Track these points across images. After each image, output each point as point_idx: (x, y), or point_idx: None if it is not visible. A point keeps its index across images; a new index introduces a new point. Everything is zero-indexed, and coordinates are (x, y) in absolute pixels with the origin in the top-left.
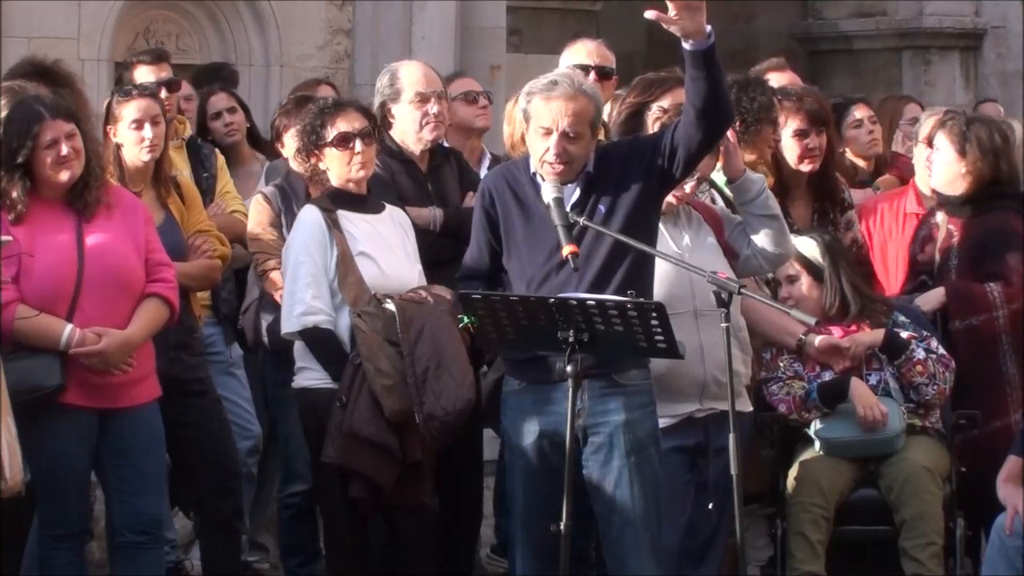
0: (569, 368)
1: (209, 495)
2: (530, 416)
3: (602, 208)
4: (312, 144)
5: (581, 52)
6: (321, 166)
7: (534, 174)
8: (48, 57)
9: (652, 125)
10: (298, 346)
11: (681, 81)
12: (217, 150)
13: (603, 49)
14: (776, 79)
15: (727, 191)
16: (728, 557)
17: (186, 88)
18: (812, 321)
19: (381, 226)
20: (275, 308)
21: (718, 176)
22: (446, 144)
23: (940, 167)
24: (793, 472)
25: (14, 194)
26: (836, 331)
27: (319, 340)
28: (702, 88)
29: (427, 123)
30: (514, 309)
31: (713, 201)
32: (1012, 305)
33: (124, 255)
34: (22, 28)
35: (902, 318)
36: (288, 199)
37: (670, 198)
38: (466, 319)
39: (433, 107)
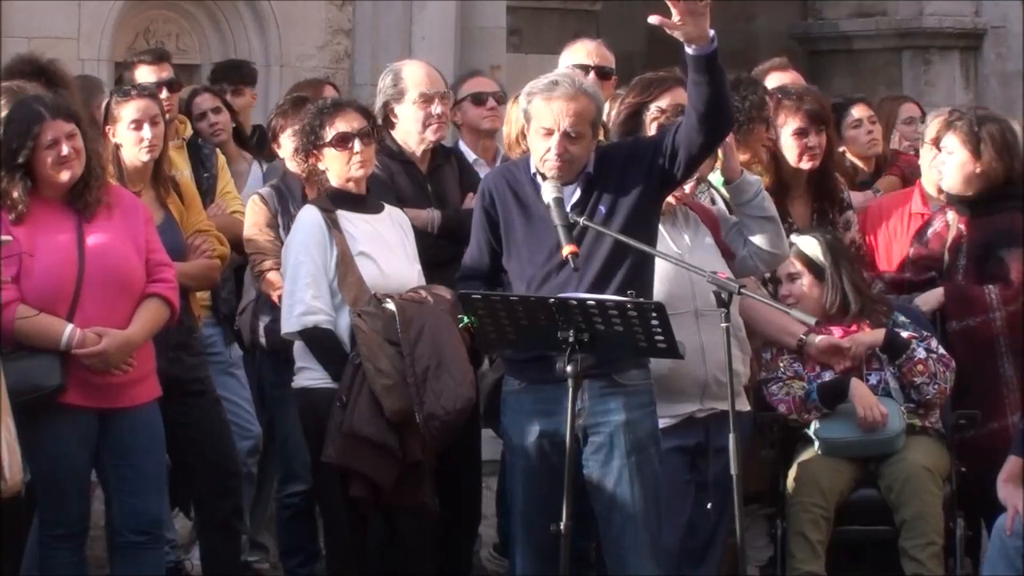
0: (569, 368)
1: (209, 495)
2: (530, 416)
3: (602, 209)
4: (311, 144)
5: (580, 52)
6: (320, 166)
7: (534, 174)
8: (44, 55)
9: (650, 125)
10: (298, 346)
11: (680, 81)
12: (218, 150)
13: (602, 49)
14: (779, 79)
15: (724, 192)
16: (728, 557)
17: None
18: (812, 321)
19: (380, 226)
20: (272, 308)
21: (716, 177)
22: (462, 145)
23: (953, 168)
24: (793, 472)
25: (15, 194)
26: (836, 331)
27: (319, 340)
28: (704, 92)
29: (430, 124)
30: (514, 309)
31: (713, 202)
32: (1009, 307)
33: (124, 255)
34: (22, 28)
35: (902, 318)
36: (284, 200)
37: (669, 198)
38: (466, 319)
39: (436, 108)
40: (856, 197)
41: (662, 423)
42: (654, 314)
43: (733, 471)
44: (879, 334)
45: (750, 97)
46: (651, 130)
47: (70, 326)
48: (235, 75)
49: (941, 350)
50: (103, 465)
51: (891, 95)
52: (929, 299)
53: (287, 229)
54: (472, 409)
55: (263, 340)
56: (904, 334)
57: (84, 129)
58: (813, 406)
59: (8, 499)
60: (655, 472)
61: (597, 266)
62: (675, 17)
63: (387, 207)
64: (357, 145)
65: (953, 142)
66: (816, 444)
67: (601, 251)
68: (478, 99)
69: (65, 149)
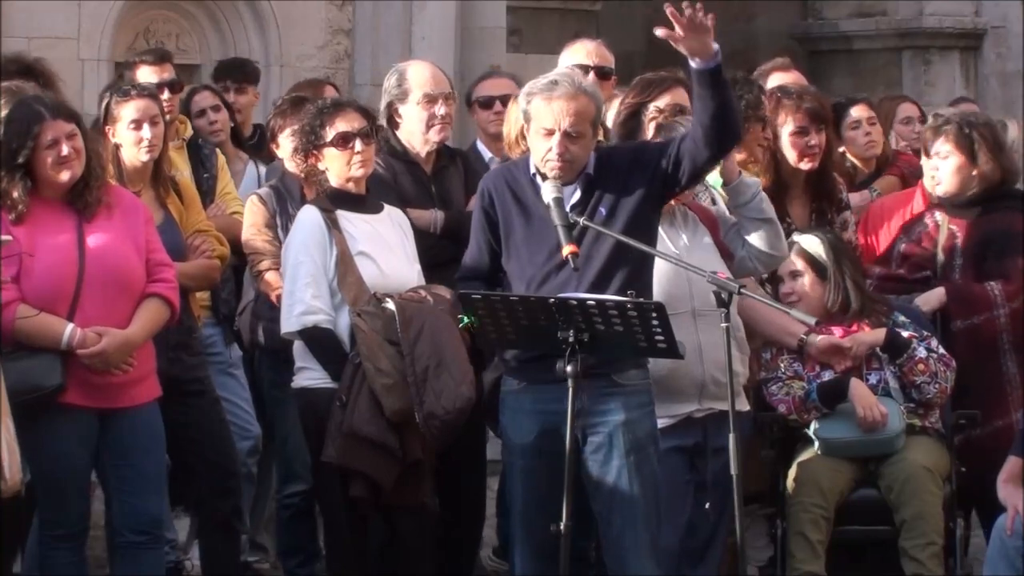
0: (569, 368)
1: (209, 495)
2: (529, 416)
3: (603, 210)
4: (311, 144)
5: (580, 52)
6: (320, 166)
7: (534, 175)
8: (30, 54)
9: (649, 125)
10: (298, 346)
11: (679, 81)
12: (218, 150)
13: (602, 49)
14: (781, 79)
15: (723, 193)
16: (728, 557)
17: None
18: (812, 321)
19: (380, 226)
20: (271, 309)
21: (714, 178)
22: (479, 145)
23: (949, 173)
24: (793, 472)
25: (15, 194)
26: (836, 331)
27: (319, 340)
28: (709, 106)
29: (433, 124)
30: (514, 309)
31: (713, 202)
32: (1012, 303)
33: (124, 255)
34: (22, 28)
35: (902, 318)
36: (283, 200)
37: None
38: (466, 319)
39: (440, 108)
40: (854, 198)
41: (660, 423)
42: (654, 314)
43: (733, 471)
44: (880, 334)
45: (745, 96)
46: (650, 130)
47: (70, 326)
48: (239, 73)
49: (941, 350)
50: (103, 465)
51: (890, 95)
52: (930, 299)
53: (286, 229)
54: (474, 408)
55: (262, 340)
56: (904, 334)
57: (84, 129)
58: (813, 406)
59: (8, 499)
60: (654, 472)
61: (597, 267)
62: (678, 31)
63: (386, 207)
64: (358, 145)
65: (946, 147)
66: (816, 444)
67: (601, 252)
68: (484, 103)
69: (65, 149)
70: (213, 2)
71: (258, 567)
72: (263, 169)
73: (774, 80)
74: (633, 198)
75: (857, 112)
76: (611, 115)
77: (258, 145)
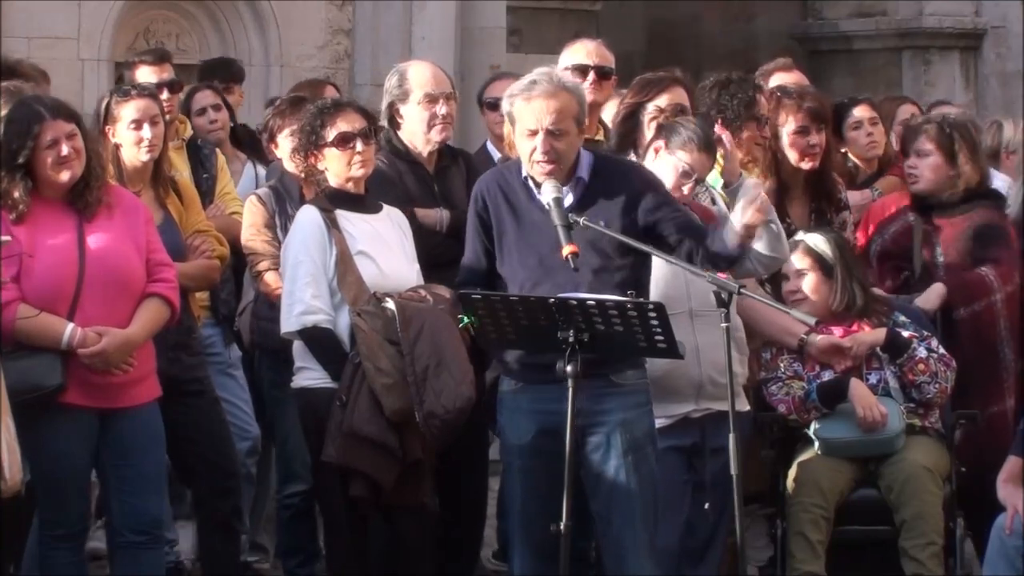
0: (569, 368)
1: (208, 495)
2: (527, 416)
3: (603, 223)
4: (312, 144)
5: (580, 52)
6: (320, 166)
7: (526, 178)
8: (11, 55)
9: (649, 125)
10: (297, 346)
11: (676, 80)
12: (218, 150)
13: (602, 49)
14: (783, 79)
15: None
16: (728, 557)
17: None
18: (812, 321)
19: (379, 225)
20: (271, 309)
21: (715, 178)
22: (489, 145)
23: (928, 170)
24: (793, 472)
25: (16, 194)
26: (837, 331)
27: (318, 340)
28: (763, 261)
29: (435, 124)
30: (514, 309)
31: (713, 202)
32: (1007, 287)
33: (125, 255)
34: (22, 28)
35: (902, 318)
36: (282, 200)
37: None
38: (466, 319)
39: (441, 108)
40: (855, 196)
41: (657, 423)
42: (654, 314)
43: (733, 471)
44: (880, 333)
45: (739, 95)
46: (649, 130)
47: (71, 325)
48: (225, 73)
49: (942, 350)
50: (103, 465)
51: (890, 96)
52: (930, 296)
53: (285, 229)
54: (474, 408)
55: (262, 341)
56: (905, 334)
57: (84, 129)
58: (813, 406)
59: (8, 499)
60: (652, 471)
61: (590, 273)
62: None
63: (385, 207)
64: (359, 145)
65: (927, 146)
66: (816, 444)
67: (596, 258)
68: (491, 105)
69: (65, 149)
70: (213, 2)
71: (258, 567)
72: (262, 170)
73: (776, 80)
74: (624, 219)
75: (859, 112)
76: (610, 115)
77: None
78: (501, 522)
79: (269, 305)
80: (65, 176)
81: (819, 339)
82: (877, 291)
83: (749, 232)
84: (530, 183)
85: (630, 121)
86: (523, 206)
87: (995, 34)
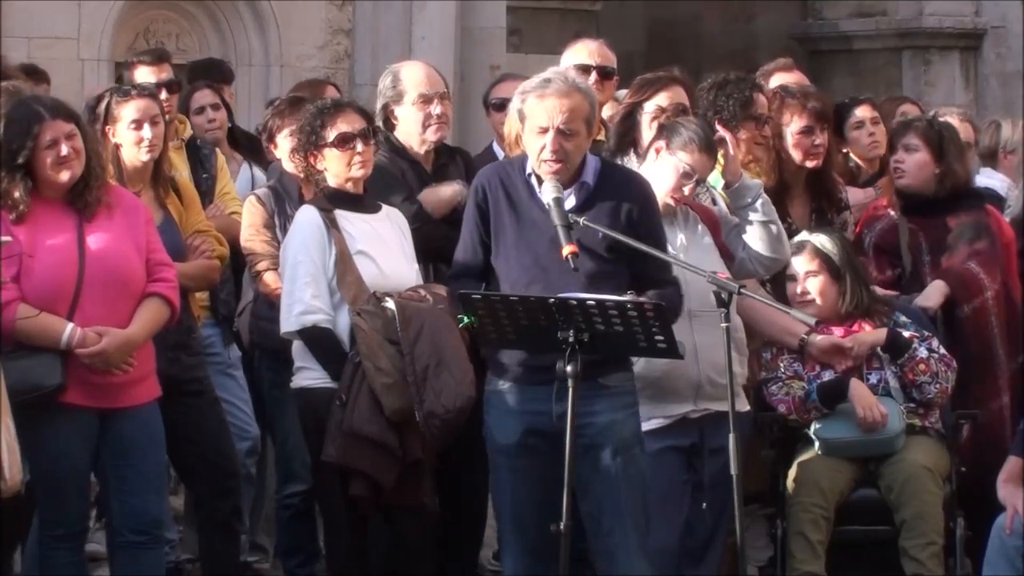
0: (569, 368)
1: (208, 495)
2: (514, 416)
3: (599, 233)
4: (312, 144)
5: (582, 52)
6: (320, 166)
7: (529, 175)
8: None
9: (650, 125)
10: (297, 346)
11: (674, 80)
12: (218, 150)
13: (604, 49)
14: (784, 79)
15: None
16: (728, 557)
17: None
18: (812, 321)
19: (378, 225)
20: (270, 309)
21: (715, 178)
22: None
23: (914, 167)
24: (793, 472)
25: (16, 194)
26: (838, 331)
27: (318, 339)
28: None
29: (430, 124)
30: (514, 309)
31: (714, 202)
32: (995, 285)
33: (125, 255)
34: (22, 28)
35: (903, 318)
36: (281, 200)
37: (668, 199)
38: (466, 319)
39: (436, 108)
40: (857, 195)
41: (656, 423)
42: (654, 314)
43: (733, 471)
44: (881, 334)
45: (735, 95)
46: (649, 129)
47: (70, 325)
48: (216, 73)
49: (942, 350)
50: (103, 465)
51: (891, 96)
52: (932, 294)
53: (284, 230)
54: (474, 408)
55: (262, 341)
56: (905, 334)
57: (84, 129)
58: (813, 406)
59: (8, 499)
60: (641, 471)
61: (584, 276)
62: None
63: (384, 207)
64: (359, 145)
65: (915, 141)
66: (816, 444)
67: (590, 261)
68: (497, 106)
69: (64, 149)
70: (213, 2)
71: (258, 567)
72: (258, 171)
73: (776, 80)
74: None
75: (861, 112)
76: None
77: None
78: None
79: (268, 305)
80: (64, 176)
81: (820, 339)
82: (878, 291)
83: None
84: (533, 181)
85: (628, 121)
86: (523, 203)
87: (995, 34)
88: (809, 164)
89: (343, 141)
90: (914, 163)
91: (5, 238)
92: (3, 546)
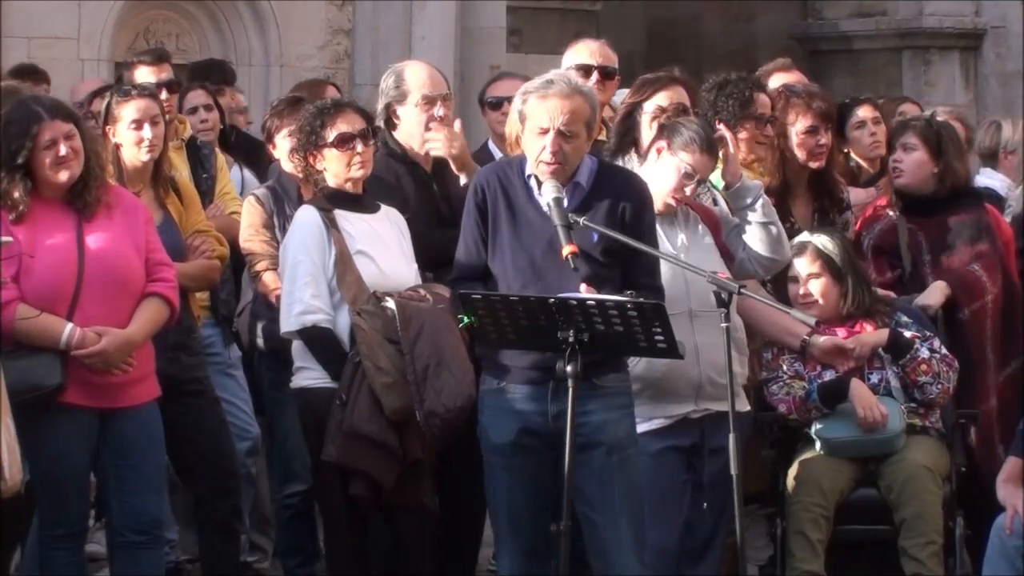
0: (569, 368)
1: (208, 495)
2: (509, 415)
3: (594, 237)
4: (311, 144)
5: (584, 52)
6: (319, 166)
7: (528, 176)
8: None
9: (650, 125)
10: (296, 346)
11: (674, 79)
12: (218, 150)
13: (606, 49)
14: (783, 79)
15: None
16: (728, 557)
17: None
18: (812, 321)
19: (378, 225)
20: (270, 309)
21: (717, 178)
22: (490, 144)
23: (912, 166)
24: (793, 472)
25: (15, 194)
26: (840, 331)
27: (318, 339)
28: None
29: (427, 139)
30: (514, 309)
31: (715, 202)
32: (995, 289)
33: (124, 255)
34: (22, 28)
35: (904, 318)
36: (280, 200)
37: (669, 200)
38: (466, 319)
39: (439, 110)
40: (859, 194)
41: (656, 424)
42: (654, 314)
43: (733, 471)
44: (883, 334)
45: (734, 95)
46: (649, 129)
47: (69, 325)
48: (217, 74)
49: (944, 350)
50: (102, 465)
51: (891, 96)
52: (933, 294)
53: (283, 230)
54: (474, 407)
55: (261, 341)
56: (907, 334)
57: (83, 129)
58: (813, 406)
59: (8, 499)
60: (636, 471)
61: (580, 279)
62: None
63: (383, 207)
64: (359, 146)
65: (913, 140)
66: (816, 444)
67: (585, 264)
68: (493, 104)
69: (63, 149)
70: (213, 2)
71: (258, 567)
72: (248, 174)
73: (775, 80)
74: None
75: (863, 112)
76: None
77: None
78: None
79: (268, 305)
80: (63, 176)
81: (822, 340)
82: (879, 291)
83: None
84: (532, 182)
85: (628, 121)
86: (521, 204)
87: (995, 34)
88: (813, 164)
89: (343, 141)
90: (912, 162)
91: (5, 238)
92: (3, 546)
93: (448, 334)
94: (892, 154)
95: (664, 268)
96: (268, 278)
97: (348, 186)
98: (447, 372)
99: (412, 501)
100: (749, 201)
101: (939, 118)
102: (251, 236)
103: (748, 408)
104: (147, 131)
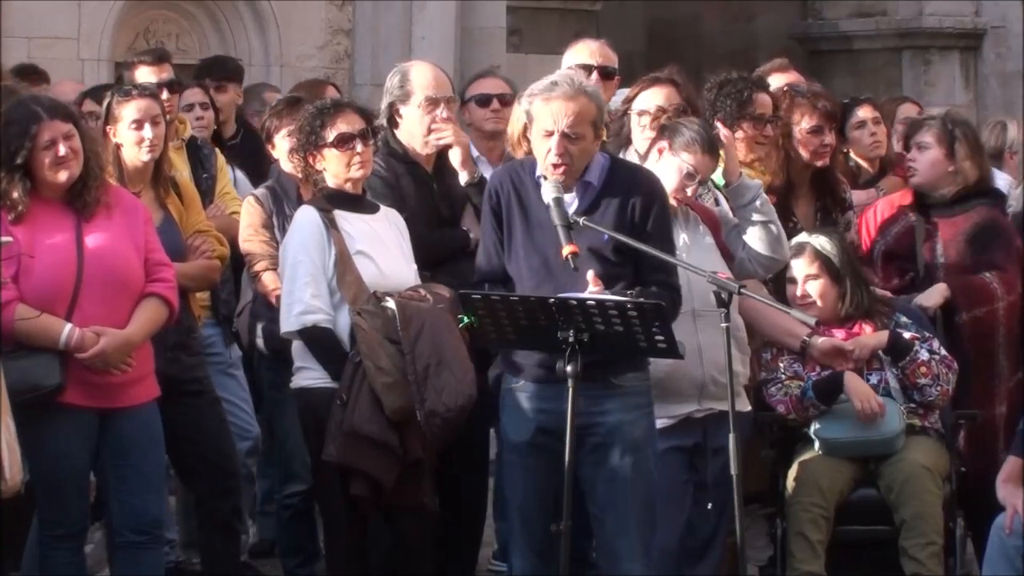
0: (569, 368)
1: (208, 495)
2: (528, 414)
3: (605, 236)
4: (311, 144)
5: (584, 52)
6: (319, 166)
7: (539, 177)
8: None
9: (638, 125)
10: (296, 346)
11: (657, 80)
12: (218, 150)
13: (606, 49)
14: (781, 79)
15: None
16: (728, 557)
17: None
18: (812, 321)
19: (377, 226)
20: (269, 309)
21: (718, 177)
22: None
23: (927, 165)
24: (793, 472)
25: (15, 195)
26: (839, 333)
27: (318, 339)
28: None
29: (435, 128)
30: (514, 309)
31: (716, 203)
32: (1010, 296)
33: (123, 255)
34: (22, 28)
35: (904, 319)
36: (279, 200)
37: (671, 200)
38: (466, 319)
39: (442, 112)
40: (859, 196)
41: (659, 423)
42: (654, 314)
43: (733, 471)
44: (883, 336)
45: (732, 95)
46: (639, 129)
47: (68, 325)
48: (220, 71)
49: (943, 351)
50: (102, 465)
51: (891, 96)
52: (932, 295)
53: (283, 230)
54: (474, 407)
55: (261, 341)
56: (906, 335)
57: (82, 129)
58: (810, 403)
59: (8, 499)
60: (650, 473)
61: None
62: None
63: (383, 207)
64: (359, 146)
65: (927, 139)
66: (816, 444)
67: (596, 263)
68: (481, 101)
69: (62, 149)
70: (213, 2)
71: (258, 567)
72: (240, 175)
73: (774, 81)
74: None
75: (863, 112)
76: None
77: (242, 145)
78: (500, 522)
79: (268, 305)
80: (63, 176)
81: (821, 341)
82: (879, 291)
83: None
84: (543, 182)
85: (619, 122)
86: (533, 204)
87: (995, 34)
88: (817, 163)
89: (342, 141)
90: (926, 161)
91: (5, 239)
92: (3, 546)
93: (448, 334)
94: (908, 153)
95: None
96: (267, 278)
97: (348, 186)
98: (448, 372)
99: (412, 501)
100: (748, 200)
101: None
102: (250, 236)
103: (748, 408)
104: (148, 131)
